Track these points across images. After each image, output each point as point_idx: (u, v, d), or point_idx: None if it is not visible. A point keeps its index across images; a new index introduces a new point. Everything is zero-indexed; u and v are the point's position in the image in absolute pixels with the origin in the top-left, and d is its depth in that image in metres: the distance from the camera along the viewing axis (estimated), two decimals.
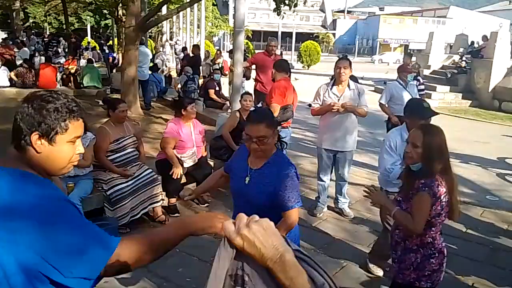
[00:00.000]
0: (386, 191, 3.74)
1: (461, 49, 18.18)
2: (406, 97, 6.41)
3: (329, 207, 5.38)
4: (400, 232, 2.67)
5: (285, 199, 2.33)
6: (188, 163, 5.15)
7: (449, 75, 16.17)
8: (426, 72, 17.40)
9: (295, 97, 5.16)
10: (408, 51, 20.52)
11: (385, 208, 2.75)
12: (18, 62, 12.58)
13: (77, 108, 1.46)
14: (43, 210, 1.29)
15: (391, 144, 3.57)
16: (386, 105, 6.54)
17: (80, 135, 1.48)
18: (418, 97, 6.82)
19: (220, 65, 13.86)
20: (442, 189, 2.44)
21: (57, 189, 1.44)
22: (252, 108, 6.21)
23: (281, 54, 10.31)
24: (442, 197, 2.44)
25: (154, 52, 18.95)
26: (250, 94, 6.22)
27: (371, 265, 4.00)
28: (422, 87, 8.12)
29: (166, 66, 15.00)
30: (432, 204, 2.44)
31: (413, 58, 16.88)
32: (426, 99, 10.00)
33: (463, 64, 16.22)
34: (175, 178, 4.91)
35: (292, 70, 5.86)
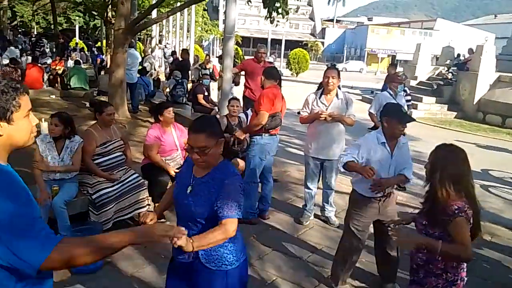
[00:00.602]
0: (361, 195, 3.68)
1: (448, 61, 18.46)
2: None
3: (315, 215, 5.38)
4: (424, 255, 2.57)
5: (224, 207, 2.16)
6: (174, 166, 5.11)
7: (435, 87, 16.40)
8: (413, 83, 17.62)
9: (284, 105, 5.17)
10: (395, 61, 20.71)
11: (425, 246, 2.49)
12: (5, 62, 12.41)
13: (20, 85, 1.54)
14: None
15: (361, 142, 3.63)
16: (376, 115, 6.59)
17: (30, 107, 1.58)
18: (406, 107, 6.92)
19: (210, 70, 13.83)
20: (470, 211, 2.41)
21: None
22: (241, 114, 6.23)
23: (271, 62, 10.33)
24: (470, 219, 2.42)
25: (143, 55, 18.86)
26: (238, 100, 6.22)
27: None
28: (409, 97, 8.21)
29: (155, 70, 14.92)
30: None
31: (400, 69, 17.09)
32: (412, 110, 10.18)
33: (449, 76, 16.47)
34: (172, 174, 4.89)
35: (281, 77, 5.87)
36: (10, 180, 1.47)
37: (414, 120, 3.65)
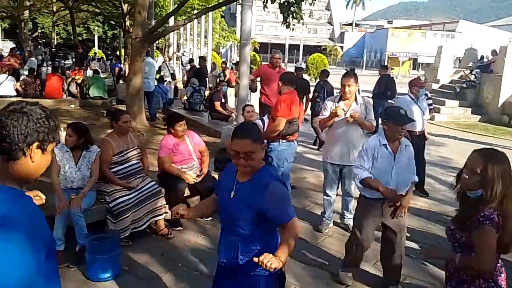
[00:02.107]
0: (364, 196, 3.80)
1: (471, 63, 18.08)
2: (417, 111, 6.35)
3: (334, 223, 5.28)
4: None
5: (281, 211, 2.30)
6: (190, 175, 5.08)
7: (458, 90, 16.06)
8: (435, 86, 17.29)
9: (301, 111, 5.10)
10: (384, 64, 20.27)
11: (447, 259, 2.51)
12: (25, 72, 12.65)
13: (56, 119, 1.53)
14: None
15: (366, 148, 3.71)
16: None
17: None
18: (428, 111, 6.74)
19: (227, 77, 13.89)
20: (499, 218, 2.24)
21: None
22: (258, 120, 6.17)
23: (302, 68, 10.31)
24: (499, 230, 2.26)
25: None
26: (252, 105, 6.17)
27: (341, 273, 4.00)
28: (430, 101, 8.03)
29: (173, 79, 15.01)
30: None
31: (421, 72, 16.78)
32: (434, 114, 9.95)
33: (472, 77, 16.11)
34: (191, 182, 4.92)
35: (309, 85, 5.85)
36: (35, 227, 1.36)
37: (412, 120, 3.71)
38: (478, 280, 2.36)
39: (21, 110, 1.41)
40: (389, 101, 10.90)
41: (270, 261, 2.08)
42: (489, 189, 2.23)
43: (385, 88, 10.93)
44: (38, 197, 2.36)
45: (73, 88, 12.10)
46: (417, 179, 3.88)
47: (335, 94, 5.78)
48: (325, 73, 10.32)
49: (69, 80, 12.53)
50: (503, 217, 2.25)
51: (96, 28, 34.87)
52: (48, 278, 1.34)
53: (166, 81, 13.78)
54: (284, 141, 4.94)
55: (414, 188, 6.65)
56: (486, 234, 2.22)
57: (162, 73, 13.50)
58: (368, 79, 23.25)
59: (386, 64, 16.35)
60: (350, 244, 3.99)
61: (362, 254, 3.97)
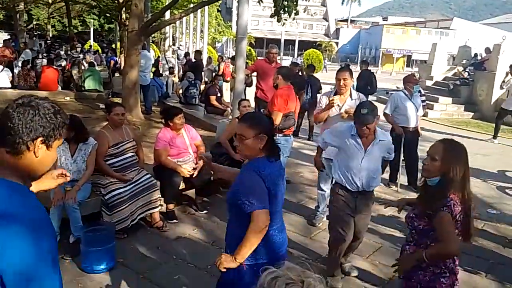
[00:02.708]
0: (344, 187, 3.73)
1: (465, 61, 18.17)
2: (410, 107, 6.42)
3: (328, 217, 5.31)
4: (410, 248, 2.60)
5: (245, 200, 2.29)
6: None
7: (451, 87, 16.14)
8: (429, 83, 17.39)
9: (297, 105, 5.14)
10: (364, 59, 20.28)
11: (416, 260, 2.52)
12: (19, 64, 12.57)
13: (66, 115, 1.51)
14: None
15: (335, 128, 3.86)
16: (391, 115, 6.51)
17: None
18: (421, 108, 6.80)
19: (221, 71, 13.89)
20: (457, 208, 2.37)
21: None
22: None
23: (298, 64, 10.32)
24: (457, 216, 2.38)
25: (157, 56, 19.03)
26: (248, 100, 6.20)
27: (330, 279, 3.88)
28: (423, 98, 8.09)
29: (171, 74, 15.00)
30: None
31: (415, 69, 16.85)
32: (428, 110, 10.01)
33: (466, 75, 16.20)
34: (186, 175, 4.94)
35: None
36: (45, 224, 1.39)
37: (368, 122, 3.48)
38: (431, 267, 2.49)
39: (29, 103, 1.40)
40: (370, 96, 10.93)
41: (220, 262, 2.31)
42: (448, 172, 2.38)
43: (365, 83, 11.10)
44: (62, 176, 2.24)
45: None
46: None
47: (326, 89, 5.81)
48: (310, 68, 10.43)
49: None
50: (464, 204, 2.39)
51: (92, 21, 34.64)
52: (51, 269, 1.34)
53: (162, 75, 13.78)
54: (280, 135, 4.97)
55: (407, 184, 6.77)
56: (442, 219, 2.37)
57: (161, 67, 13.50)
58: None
59: (366, 59, 16.42)
60: (331, 242, 3.90)
61: (343, 252, 3.89)
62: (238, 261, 2.28)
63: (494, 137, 11.24)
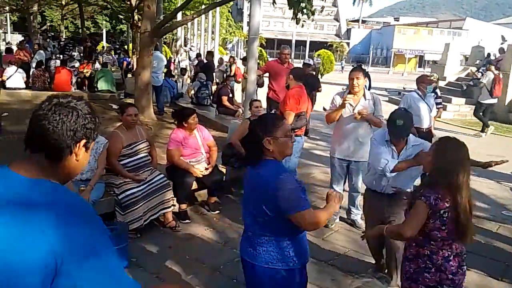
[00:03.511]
0: (375, 191, 3.81)
1: (478, 61, 17.98)
2: (423, 108, 6.36)
3: (341, 218, 5.30)
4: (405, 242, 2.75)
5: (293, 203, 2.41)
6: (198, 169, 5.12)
7: (464, 87, 15.98)
8: (441, 83, 17.20)
9: (309, 106, 5.13)
10: (358, 59, 20.06)
11: (379, 233, 2.82)
12: (33, 65, 12.72)
13: (97, 115, 1.44)
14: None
15: (374, 139, 3.73)
16: None
17: None
18: (434, 108, 6.73)
19: (233, 72, 13.92)
20: (442, 204, 2.40)
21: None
22: None
23: (310, 64, 10.30)
24: (442, 212, 2.41)
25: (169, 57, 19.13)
26: (259, 101, 6.20)
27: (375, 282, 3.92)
28: (439, 100, 8.00)
29: (183, 74, 15.10)
30: (429, 217, 2.44)
31: (428, 70, 16.71)
32: (442, 112, 9.93)
33: (479, 75, 16.03)
34: (199, 175, 4.96)
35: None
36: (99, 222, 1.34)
37: (405, 136, 3.52)
38: (417, 259, 2.55)
39: (69, 104, 1.32)
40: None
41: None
42: (435, 169, 2.51)
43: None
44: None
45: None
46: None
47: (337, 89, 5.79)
48: (307, 67, 10.43)
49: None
50: (455, 202, 2.40)
51: (104, 22, 34.93)
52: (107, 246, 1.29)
53: (174, 76, 13.85)
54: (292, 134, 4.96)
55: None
56: (416, 207, 2.48)
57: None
58: (373, 76, 23.15)
59: (360, 59, 16.57)
60: (369, 244, 4.01)
61: (378, 251, 3.97)
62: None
63: (482, 131, 11.66)
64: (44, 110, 1.30)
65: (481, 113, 11.75)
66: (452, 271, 2.50)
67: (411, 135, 3.67)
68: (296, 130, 4.98)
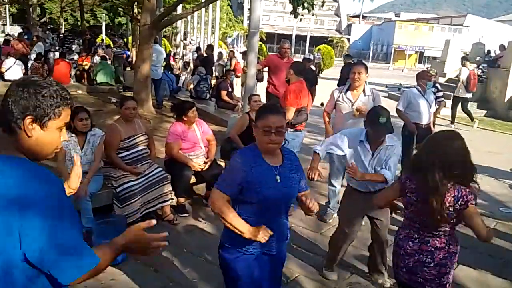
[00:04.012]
0: (349, 186, 3.83)
1: (478, 58, 17.95)
2: (423, 104, 6.35)
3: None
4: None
5: (303, 181, 2.54)
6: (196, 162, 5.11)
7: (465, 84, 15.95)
8: (441, 80, 17.18)
9: (310, 101, 5.12)
10: (348, 53, 19.93)
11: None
12: (32, 57, 12.68)
13: (69, 96, 1.50)
14: (53, 204, 1.33)
15: (344, 133, 3.70)
16: (403, 111, 6.45)
17: (67, 122, 1.52)
18: (434, 104, 6.72)
19: (233, 66, 13.89)
20: (409, 185, 2.58)
21: (59, 182, 1.46)
22: None
23: (314, 60, 10.27)
24: (407, 192, 2.59)
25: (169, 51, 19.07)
26: (258, 95, 6.19)
27: (325, 272, 3.96)
28: (441, 94, 8.00)
29: (186, 68, 15.09)
30: (400, 195, 2.68)
31: (428, 65, 16.71)
32: (443, 107, 9.97)
33: (479, 72, 16.01)
34: (197, 169, 4.97)
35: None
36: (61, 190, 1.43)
37: (389, 133, 3.45)
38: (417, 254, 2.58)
39: (23, 82, 1.41)
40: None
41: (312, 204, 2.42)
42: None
43: (347, 75, 11.40)
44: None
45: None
46: (390, 179, 3.42)
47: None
48: (308, 62, 10.44)
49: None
50: (419, 184, 2.52)
51: (103, 15, 34.77)
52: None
53: (173, 69, 13.77)
54: (292, 130, 4.96)
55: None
56: (392, 184, 2.91)
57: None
58: (374, 72, 23.13)
59: (350, 54, 16.70)
60: (334, 237, 3.93)
61: (345, 248, 3.90)
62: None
63: (452, 122, 12.31)
64: (8, 88, 1.40)
65: (458, 107, 12.45)
66: (405, 251, 2.63)
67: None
68: (297, 125, 4.97)
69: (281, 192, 2.39)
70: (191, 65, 15.45)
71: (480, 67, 16.44)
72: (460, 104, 12.42)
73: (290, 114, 4.81)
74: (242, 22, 38.54)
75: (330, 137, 3.84)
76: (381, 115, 3.32)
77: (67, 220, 1.34)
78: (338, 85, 11.53)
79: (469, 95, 12.35)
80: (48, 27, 26.52)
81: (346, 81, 11.46)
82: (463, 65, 12.98)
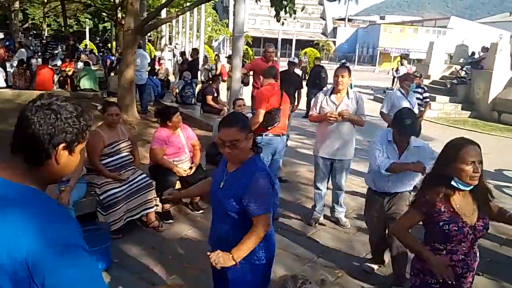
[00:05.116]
0: (375, 191, 3.90)
1: (462, 60, 18.18)
2: (406, 106, 6.37)
3: (325, 216, 5.30)
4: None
5: (252, 204, 2.28)
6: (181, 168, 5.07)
7: (448, 86, 16.16)
8: (426, 82, 17.35)
9: (284, 101, 5.08)
10: (317, 57, 20.24)
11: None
12: (14, 63, 12.50)
13: (89, 115, 1.38)
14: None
15: (375, 140, 3.78)
16: (387, 114, 6.47)
17: None
18: (417, 106, 6.75)
19: (219, 71, 13.85)
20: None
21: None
22: (249, 114, 6.17)
23: (295, 63, 10.23)
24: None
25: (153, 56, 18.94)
26: (242, 99, 6.17)
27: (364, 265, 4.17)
28: (427, 94, 8.07)
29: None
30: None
31: (413, 68, 16.95)
32: (429, 109, 10.07)
33: (463, 73, 16.22)
34: (183, 174, 4.94)
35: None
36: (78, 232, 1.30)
37: (414, 134, 3.70)
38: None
39: (49, 106, 1.27)
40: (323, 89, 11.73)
41: (217, 260, 2.23)
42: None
43: (314, 77, 11.68)
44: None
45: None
46: (427, 165, 3.54)
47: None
48: (293, 65, 10.43)
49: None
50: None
51: (87, 20, 34.49)
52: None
53: (158, 74, 13.69)
54: (270, 134, 4.92)
55: None
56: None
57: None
58: (359, 74, 23.36)
59: (319, 57, 17.03)
60: (369, 237, 4.21)
61: (378, 249, 4.09)
62: (235, 260, 2.26)
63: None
64: (27, 111, 1.26)
65: None
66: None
67: (412, 136, 3.72)
68: (269, 128, 4.93)
69: (218, 198, 2.43)
70: (169, 69, 15.35)
71: (464, 68, 16.66)
72: None
73: (260, 117, 4.80)
74: (228, 26, 38.51)
75: (371, 150, 3.83)
76: (407, 116, 3.55)
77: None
78: (307, 85, 11.93)
79: None
80: (31, 32, 26.13)
81: (315, 81, 11.82)
82: (401, 63, 14.05)
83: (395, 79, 13.32)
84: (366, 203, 4.13)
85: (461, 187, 2.36)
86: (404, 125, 3.53)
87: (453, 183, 2.35)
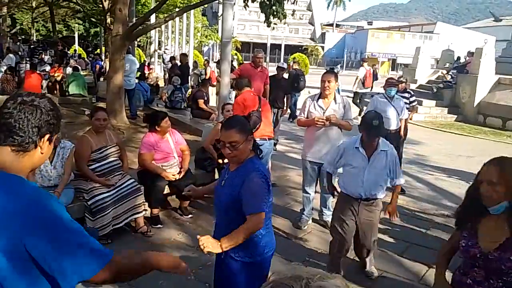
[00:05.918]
0: (342, 192, 3.93)
1: (448, 64, 18.41)
2: (390, 110, 6.47)
3: (313, 220, 5.34)
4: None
5: (248, 203, 2.37)
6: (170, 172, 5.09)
7: (435, 90, 16.35)
8: (413, 86, 17.54)
9: (263, 104, 5.24)
10: (295, 61, 20.52)
11: None
12: (3, 69, 12.42)
13: (59, 108, 1.56)
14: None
15: (340, 147, 3.99)
16: None
17: None
18: (403, 111, 6.83)
19: (208, 75, 13.88)
20: None
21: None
22: None
23: (284, 68, 10.31)
24: None
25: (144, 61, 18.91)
26: (231, 104, 6.23)
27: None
28: (413, 98, 8.18)
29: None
30: None
31: (400, 72, 17.09)
32: (415, 113, 10.16)
33: (449, 78, 16.43)
34: (171, 179, 4.96)
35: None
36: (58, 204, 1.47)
37: (381, 135, 3.77)
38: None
39: (32, 103, 1.43)
40: (299, 92, 12.61)
41: (205, 243, 2.28)
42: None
43: (292, 81, 11.90)
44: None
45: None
46: (402, 181, 3.97)
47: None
48: (281, 70, 10.56)
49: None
50: None
51: (76, 25, 34.33)
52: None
53: (148, 79, 13.67)
54: (257, 138, 4.99)
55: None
56: None
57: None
58: (348, 79, 23.34)
59: (297, 61, 17.12)
60: (331, 243, 4.06)
61: (343, 253, 4.00)
62: (222, 249, 2.32)
63: (359, 114, 12.73)
64: (9, 109, 1.40)
65: (358, 101, 14.15)
66: None
67: (382, 139, 3.78)
68: (254, 131, 5.04)
69: (218, 196, 2.56)
70: (159, 74, 15.34)
71: (450, 73, 16.87)
72: (359, 97, 14.21)
73: None
74: (217, 31, 38.56)
75: (328, 155, 4.11)
76: (374, 118, 3.63)
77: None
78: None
79: (366, 90, 14.34)
80: (19, 38, 25.95)
81: (293, 85, 11.96)
82: (361, 64, 14.83)
83: (357, 80, 14.22)
84: (337, 206, 4.01)
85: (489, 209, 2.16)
86: (372, 126, 3.61)
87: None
